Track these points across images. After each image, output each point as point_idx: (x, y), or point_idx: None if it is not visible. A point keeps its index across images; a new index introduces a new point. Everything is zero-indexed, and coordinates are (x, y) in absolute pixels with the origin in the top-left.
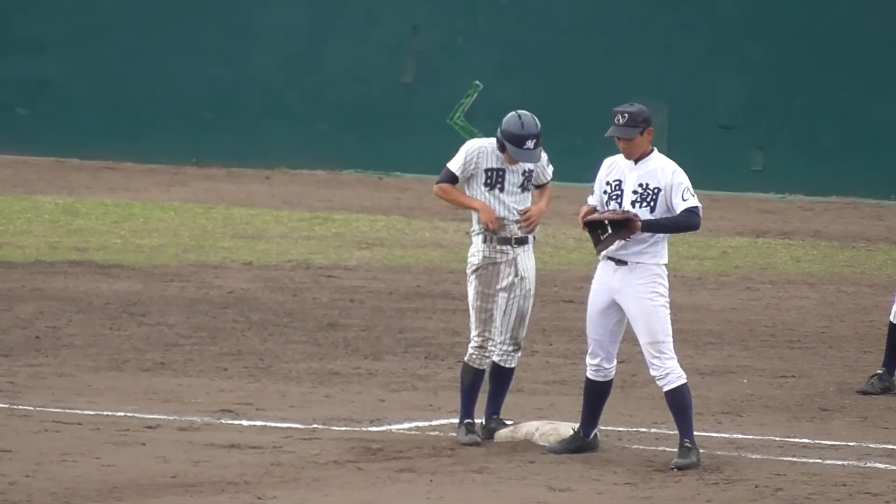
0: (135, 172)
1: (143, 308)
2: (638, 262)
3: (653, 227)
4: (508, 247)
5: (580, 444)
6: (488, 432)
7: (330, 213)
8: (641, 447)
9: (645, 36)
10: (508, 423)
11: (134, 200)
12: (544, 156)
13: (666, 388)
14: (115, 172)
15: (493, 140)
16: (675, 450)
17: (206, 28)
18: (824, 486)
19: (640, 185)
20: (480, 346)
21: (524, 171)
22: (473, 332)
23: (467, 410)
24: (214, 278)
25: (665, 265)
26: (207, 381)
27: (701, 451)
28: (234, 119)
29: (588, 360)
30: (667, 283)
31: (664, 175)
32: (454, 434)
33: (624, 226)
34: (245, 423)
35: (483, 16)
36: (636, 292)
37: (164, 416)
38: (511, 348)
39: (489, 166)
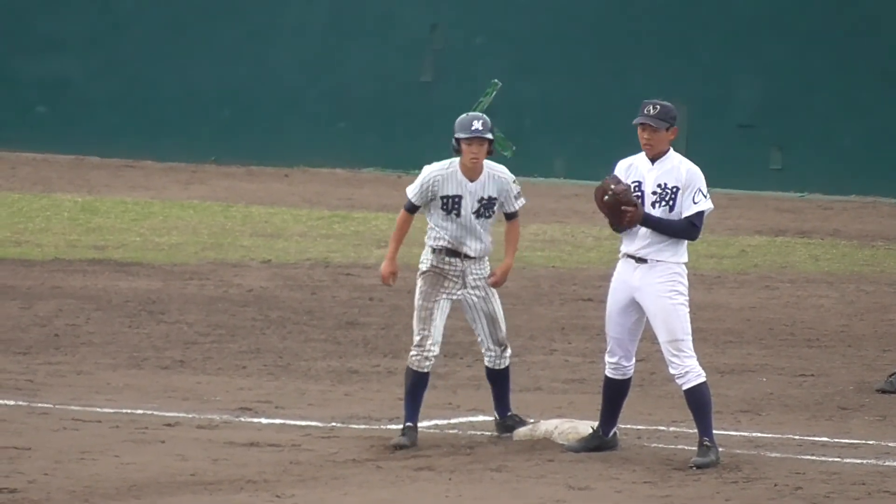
0: (154, 171)
1: (163, 306)
2: (658, 261)
3: (651, 223)
4: (458, 259)
5: (599, 443)
6: (506, 429)
7: (349, 212)
8: (660, 446)
9: (664, 35)
10: (529, 420)
11: (153, 199)
12: (515, 186)
13: (685, 387)
14: (135, 171)
15: (452, 162)
16: (695, 448)
17: (226, 27)
18: (843, 484)
19: (659, 186)
20: (419, 345)
21: (481, 199)
22: (414, 334)
23: (408, 413)
24: (233, 276)
25: (685, 263)
26: (227, 379)
27: (720, 449)
28: (253, 117)
29: (607, 359)
30: (686, 282)
31: (680, 173)
32: (473, 432)
33: (621, 207)
34: (264, 421)
35: (502, 14)
36: (656, 290)
37: (184, 414)
38: (498, 351)
39: (445, 193)
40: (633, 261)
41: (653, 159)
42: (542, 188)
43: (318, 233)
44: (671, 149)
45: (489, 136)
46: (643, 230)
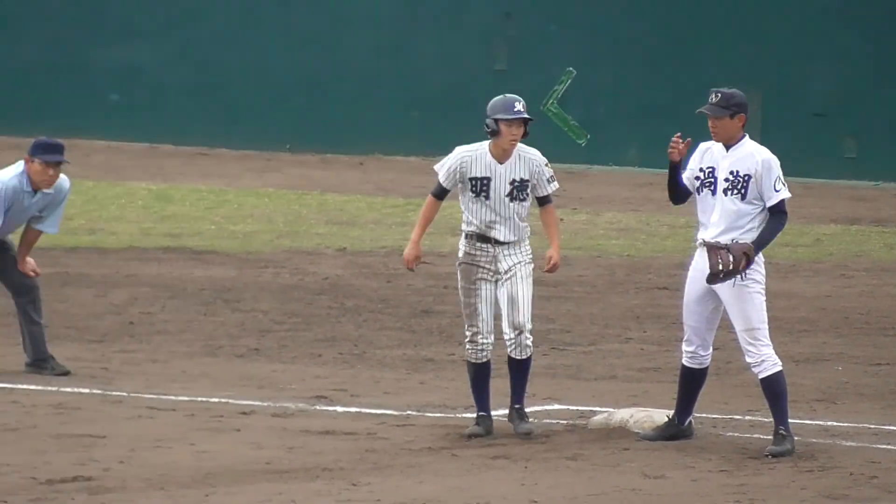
0: (228, 159)
1: (237, 294)
2: None
3: (762, 245)
4: (489, 245)
5: (674, 432)
6: (510, 419)
7: (423, 200)
8: (736, 434)
9: (737, 22)
10: (529, 420)
11: (227, 187)
12: (548, 170)
13: (761, 376)
14: (209, 159)
15: (482, 144)
16: (770, 437)
17: (300, 14)
18: None
19: (731, 173)
20: (471, 341)
21: (513, 181)
22: (465, 328)
23: (478, 403)
24: (308, 264)
25: (760, 252)
26: (302, 367)
27: (795, 438)
28: (327, 105)
29: (684, 348)
30: (763, 270)
31: (755, 162)
32: (548, 420)
33: (742, 258)
34: (339, 409)
35: (576, 2)
36: (733, 279)
37: (259, 403)
38: (514, 335)
39: (473, 175)
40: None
41: (727, 146)
42: (617, 176)
43: (392, 221)
44: (746, 136)
45: (529, 117)
46: (716, 218)
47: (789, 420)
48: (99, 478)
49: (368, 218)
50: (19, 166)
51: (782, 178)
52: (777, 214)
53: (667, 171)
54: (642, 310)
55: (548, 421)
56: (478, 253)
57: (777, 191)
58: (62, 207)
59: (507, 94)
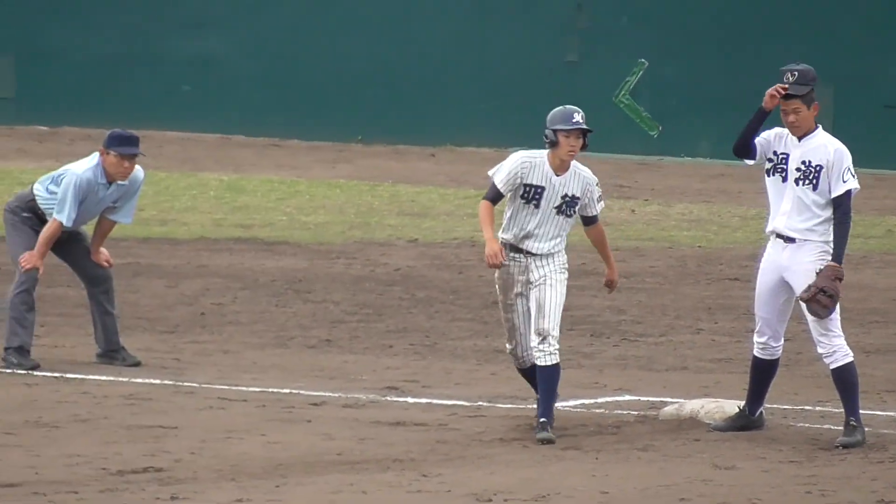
0: (300, 149)
1: (309, 285)
2: (806, 240)
3: (841, 255)
4: (521, 255)
5: (745, 422)
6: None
7: None
8: (806, 425)
9: (810, 14)
10: (544, 433)
11: (299, 177)
12: (598, 189)
13: (832, 366)
14: (281, 149)
15: (541, 153)
16: (841, 428)
17: (372, 4)
18: None
19: (804, 163)
20: (511, 354)
21: (565, 195)
22: (507, 342)
23: (541, 410)
24: (380, 256)
25: (831, 241)
26: (373, 358)
27: (866, 429)
28: (399, 96)
29: (755, 339)
30: None
31: (827, 153)
32: (619, 412)
33: (836, 283)
34: (410, 400)
35: None
36: (805, 269)
37: (330, 394)
38: (537, 340)
39: (529, 182)
40: (781, 241)
41: (800, 137)
42: (688, 168)
43: (464, 212)
44: (819, 127)
45: (588, 128)
46: (787, 207)
47: (860, 411)
48: (170, 469)
49: (440, 209)
50: (94, 158)
51: (852, 170)
52: (840, 214)
53: (737, 162)
54: (713, 301)
55: (619, 412)
56: (511, 263)
57: (844, 181)
58: (136, 198)
59: (568, 106)
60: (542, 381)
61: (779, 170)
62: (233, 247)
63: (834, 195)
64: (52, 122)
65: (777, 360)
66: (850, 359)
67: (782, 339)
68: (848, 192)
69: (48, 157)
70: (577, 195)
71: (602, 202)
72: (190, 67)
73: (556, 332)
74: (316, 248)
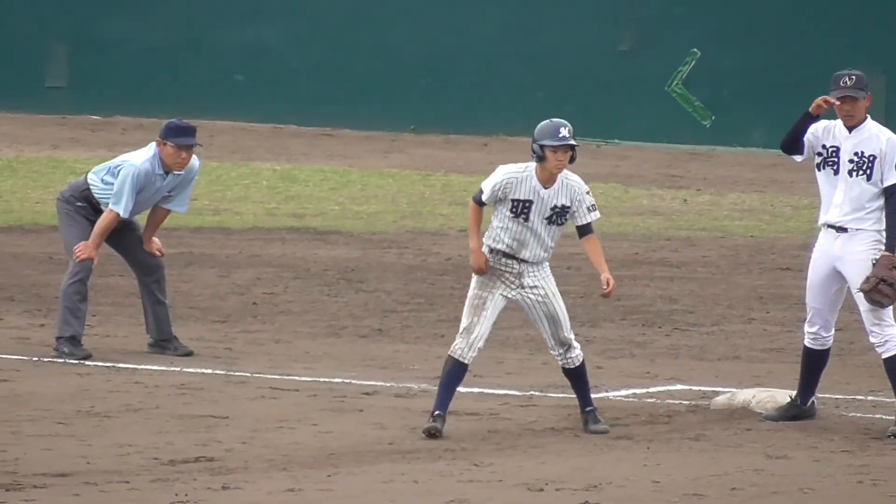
0: (352, 139)
1: (361, 275)
2: (858, 229)
3: (891, 240)
4: (514, 262)
5: (797, 412)
6: (583, 422)
7: None
8: (858, 415)
9: (863, 4)
10: (600, 422)
11: (352, 167)
12: (589, 198)
13: (885, 356)
14: (333, 139)
15: (528, 166)
16: (892, 418)
17: None
18: None
19: (856, 154)
20: (467, 333)
21: (554, 206)
22: (463, 322)
23: (439, 402)
24: (432, 245)
25: (883, 231)
26: (425, 347)
27: None
28: (452, 86)
29: (806, 328)
30: None
31: (880, 142)
32: (671, 401)
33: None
34: (462, 389)
35: None
36: (857, 259)
37: (382, 383)
38: (561, 351)
39: (516, 196)
40: (833, 230)
41: (850, 128)
42: (741, 157)
43: None
44: (868, 117)
45: (575, 142)
46: (839, 199)
47: None
48: (221, 458)
49: None
50: (151, 149)
51: None
52: (893, 203)
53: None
54: (765, 290)
55: (671, 401)
56: (502, 267)
57: None
58: (191, 187)
59: (554, 119)
60: (578, 378)
61: (829, 163)
62: (285, 236)
63: (886, 184)
64: (105, 111)
65: (828, 349)
66: None
67: (833, 329)
68: None
69: (101, 147)
70: (567, 204)
71: (596, 211)
72: (242, 57)
73: (572, 335)
74: (368, 237)
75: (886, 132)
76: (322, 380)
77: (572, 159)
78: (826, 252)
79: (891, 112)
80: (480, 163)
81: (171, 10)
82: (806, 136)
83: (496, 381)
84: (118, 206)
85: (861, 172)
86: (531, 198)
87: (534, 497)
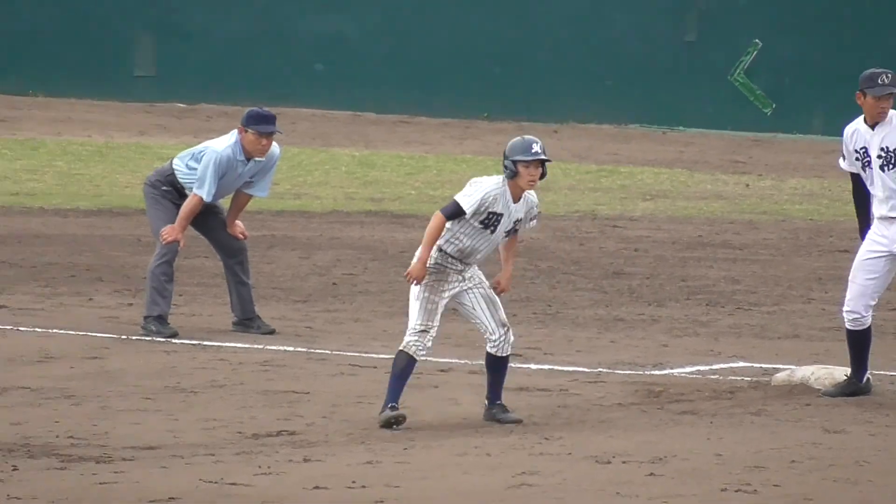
0: (428, 126)
1: None
2: None
3: None
4: (459, 263)
5: (854, 388)
6: (491, 416)
7: (616, 166)
8: None
9: None
10: (511, 414)
11: (427, 153)
12: (536, 210)
13: None
14: (410, 126)
15: (501, 179)
16: None
17: None
18: None
19: (883, 149)
20: (423, 333)
21: (516, 220)
22: (416, 321)
23: (393, 394)
24: None
25: None
26: None
27: None
28: (523, 75)
29: (846, 312)
30: None
31: None
32: (733, 378)
33: None
34: (533, 366)
35: None
36: None
37: (456, 360)
38: (502, 332)
39: (494, 210)
40: (886, 221)
41: (873, 125)
42: (801, 144)
43: (585, 186)
44: (888, 111)
45: (546, 158)
46: (881, 192)
47: None
48: (302, 432)
49: (563, 183)
50: (233, 136)
51: None
52: None
53: None
54: (824, 271)
55: (733, 378)
56: (448, 265)
57: None
58: (272, 172)
59: (526, 136)
60: (503, 369)
61: (865, 163)
62: (364, 220)
63: None
64: (191, 99)
65: (869, 328)
66: None
67: (871, 310)
68: None
69: (186, 133)
70: (522, 217)
71: (535, 221)
72: (322, 47)
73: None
74: None
75: None
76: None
77: (543, 175)
78: (884, 237)
79: None
80: (551, 148)
81: (254, 2)
82: (844, 152)
83: (566, 359)
84: (201, 191)
85: (892, 166)
86: (503, 212)
87: (602, 469)
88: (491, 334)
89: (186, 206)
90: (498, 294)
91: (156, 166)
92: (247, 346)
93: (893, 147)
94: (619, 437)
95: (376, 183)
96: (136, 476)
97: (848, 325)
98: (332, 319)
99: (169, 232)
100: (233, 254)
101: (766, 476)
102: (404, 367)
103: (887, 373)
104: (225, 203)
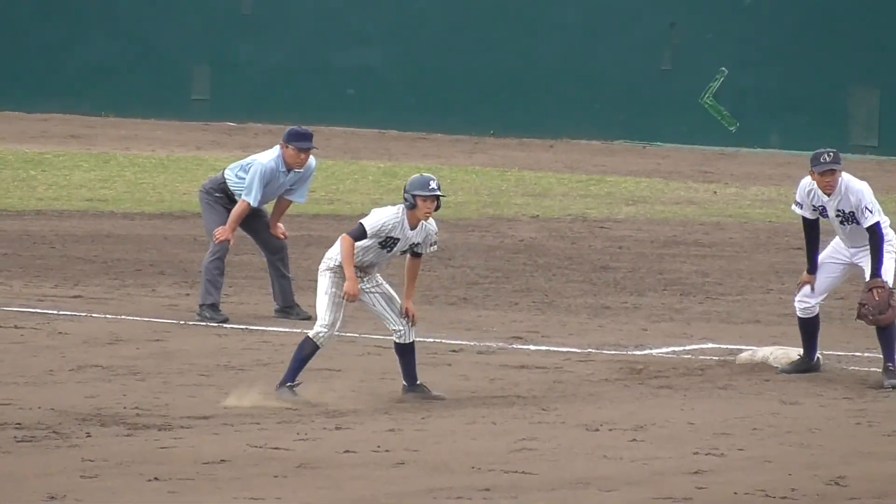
0: (443, 142)
1: (450, 253)
2: (865, 245)
3: (878, 269)
4: (360, 271)
5: (807, 366)
6: (414, 391)
7: (603, 176)
8: (857, 368)
9: (861, 31)
10: (434, 392)
11: (442, 165)
12: (435, 237)
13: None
14: (427, 142)
15: (400, 209)
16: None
17: (502, 25)
18: None
19: (840, 211)
20: (331, 325)
21: (413, 244)
22: (327, 316)
23: (293, 375)
24: (508, 229)
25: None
26: (502, 313)
27: None
28: (524, 99)
29: (797, 300)
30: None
31: (850, 200)
32: (703, 357)
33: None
34: (532, 347)
35: (729, 14)
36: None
37: (466, 342)
38: (404, 322)
39: (392, 235)
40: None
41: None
42: (761, 157)
43: (577, 193)
44: (841, 178)
45: (441, 194)
46: (842, 236)
47: None
48: (335, 404)
49: (557, 191)
50: (276, 150)
51: (870, 206)
52: (873, 238)
53: (801, 152)
54: (781, 266)
55: (703, 357)
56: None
57: (866, 218)
58: (310, 182)
59: (424, 174)
60: (413, 353)
61: (824, 215)
62: None
63: (864, 226)
64: (240, 119)
65: (817, 315)
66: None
67: (820, 300)
68: (875, 226)
69: (236, 148)
70: (419, 242)
71: (435, 247)
72: (352, 75)
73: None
74: (455, 222)
75: (853, 186)
76: (417, 339)
77: (437, 207)
78: (843, 249)
79: (883, 121)
80: (548, 161)
81: (295, 37)
82: (801, 210)
83: (560, 341)
84: (249, 197)
85: (850, 221)
86: (400, 237)
87: (591, 436)
88: (394, 326)
89: (236, 210)
90: (409, 316)
91: (210, 176)
92: (287, 329)
93: (849, 210)
94: (605, 407)
95: (398, 190)
96: (192, 441)
97: (799, 314)
98: (359, 307)
99: (221, 232)
100: (275, 251)
101: (732, 441)
102: (310, 353)
103: (835, 353)
104: (269, 208)
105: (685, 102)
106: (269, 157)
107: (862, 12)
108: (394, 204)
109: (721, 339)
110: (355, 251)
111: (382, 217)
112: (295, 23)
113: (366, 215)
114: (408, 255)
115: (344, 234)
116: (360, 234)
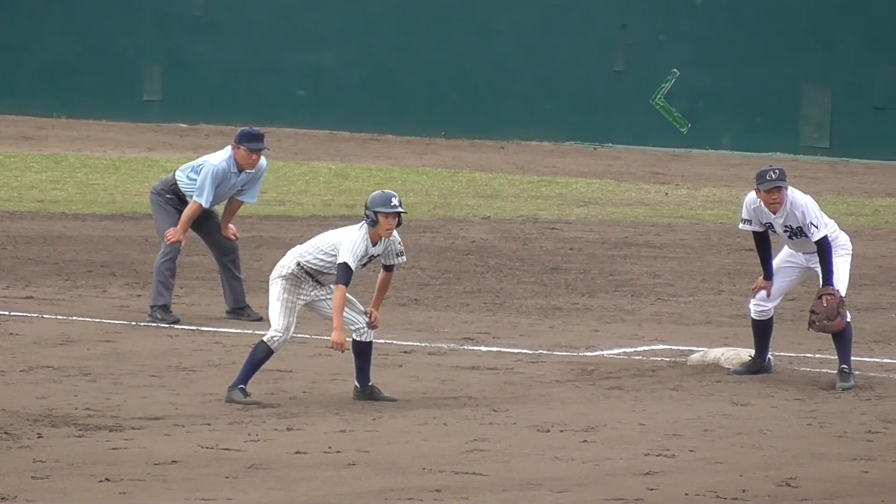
0: (394, 143)
1: None
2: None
3: (828, 277)
4: (313, 280)
5: (758, 367)
6: (367, 397)
7: (554, 177)
8: (808, 370)
9: (813, 31)
10: (385, 393)
11: (394, 166)
12: (399, 247)
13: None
14: (379, 143)
15: (363, 226)
16: (836, 372)
17: (455, 25)
18: None
19: (787, 227)
20: (285, 330)
21: (372, 256)
22: (281, 321)
23: (246, 378)
24: (459, 230)
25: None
26: (453, 314)
27: (856, 373)
28: (475, 99)
29: (753, 303)
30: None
31: (796, 217)
32: (654, 358)
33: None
34: (483, 349)
35: (680, 15)
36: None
37: (417, 343)
38: (367, 319)
39: (365, 254)
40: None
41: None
42: (713, 158)
43: (528, 194)
44: (787, 196)
45: (403, 210)
46: (792, 248)
47: (852, 358)
48: (286, 405)
49: (509, 192)
50: (227, 151)
51: (815, 220)
52: (820, 250)
53: (753, 154)
54: (732, 267)
55: (654, 358)
56: (302, 278)
57: (812, 233)
58: (260, 182)
59: (386, 190)
60: (366, 354)
61: (772, 230)
62: (339, 223)
63: (813, 240)
64: (191, 120)
65: (772, 317)
66: (847, 319)
67: (774, 304)
68: (820, 239)
69: (188, 149)
70: (379, 254)
71: (403, 257)
72: (304, 76)
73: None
74: (407, 223)
75: (798, 202)
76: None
77: (399, 224)
78: (796, 255)
79: (835, 119)
80: (499, 162)
81: (247, 38)
82: (748, 227)
83: (511, 342)
84: (200, 198)
85: (798, 235)
86: (373, 254)
87: (542, 437)
88: (357, 324)
89: (187, 211)
90: (372, 327)
91: (161, 177)
92: (238, 331)
93: (796, 226)
94: (556, 408)
95: (350, 191)
96: (144, 442)
97: (754, 316)
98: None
99: (172, 234)
100: (226, 252)
101: (683, 442)
102: (264, 357)
103: (787, 354)
104: (220, 209)
105: (637, 104)
106: (220, 157)
107: (813, 13)
108: (348, 208)
109: (672, 340)
110: (325, 264)
111: (353, 245)
112: (247, 24)
113: (318, 217)
114: (381, 270)
115: (338, 285)
116: (349, 275)
